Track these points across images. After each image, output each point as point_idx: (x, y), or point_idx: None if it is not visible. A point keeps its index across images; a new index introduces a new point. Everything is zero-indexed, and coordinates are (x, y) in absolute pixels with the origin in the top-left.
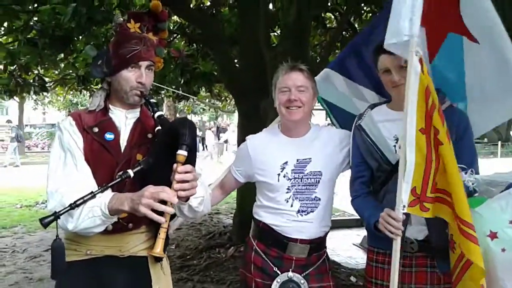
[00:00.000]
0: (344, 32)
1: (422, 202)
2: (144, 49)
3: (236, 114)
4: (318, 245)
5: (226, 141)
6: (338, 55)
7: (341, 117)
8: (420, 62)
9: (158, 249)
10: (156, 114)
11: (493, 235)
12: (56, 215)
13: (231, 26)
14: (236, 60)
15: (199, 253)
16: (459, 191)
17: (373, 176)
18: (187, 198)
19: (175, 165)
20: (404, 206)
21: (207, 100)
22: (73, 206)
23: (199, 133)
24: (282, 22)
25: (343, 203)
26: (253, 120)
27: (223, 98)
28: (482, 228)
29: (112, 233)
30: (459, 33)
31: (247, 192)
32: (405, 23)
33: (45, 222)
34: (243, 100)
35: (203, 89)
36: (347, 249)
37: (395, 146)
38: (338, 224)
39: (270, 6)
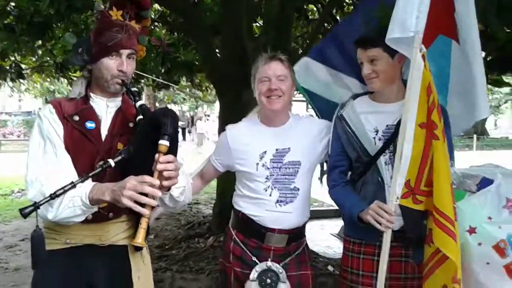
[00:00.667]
0: (326, 24)
1: (415, 195)
2: (125, 37)
3: (216, 104)
4: (296, 235)
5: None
6: (317, 45)
7: (322, 106)
8: (423, 58)
9: (140, 239)
10: (138, 103)
11: (472, 230)
12: (36, 205)
13: (213, 16)
14: (217, 50)
15: (178, 243)
16: (446, 187)
17: (352, 166)
18: (168, 188)
19: (157, 155)
20: (397, 198)
21: (187, 90)
22: (53, 196)
23: (181, 123)
24: (264, 13)
25: (320, 193)
26: (235, 110)
27: (203, 88)
28: (462, 223)
29: (92, 222)
30: (449, 37)
31: (227, 183)
32: (412, 19)
33: (24, 213)
34: (224, 90)
35: (184, 79)
36: (325, 239)
37: (374, 138)
38: (316, 215)
39: None
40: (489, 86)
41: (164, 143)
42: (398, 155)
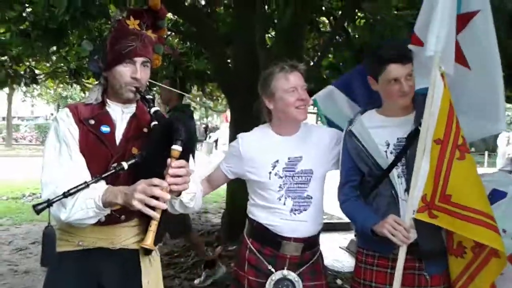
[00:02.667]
0: (337, 37)
1: (430, 210)
2: (140, 45)
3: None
4: (311, 243)
5: (216, 141)
6: (344, 74)
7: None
8: (442, 77)
9: (149, 241)
10: (152, 110)
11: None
12: (49, 203)
13: (225, 26)
14: (229, 60)
15: (187, 251)
16: (481, 191)
17: (363, 180)
18: (178, 193)
19: (169, 159)
20: (414, 212)
21: (197, 99)
22: (67, 194)
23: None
24: (277, 24)
25: (330, 206)
26: (246, 119)
27: (214, 98)
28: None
29: (105, 225)
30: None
31: (237, 192)
32: (432, 39)
33: (38, 209)
34: (235, 99)
35: (195, 88)
36: (333, 252)
37: (386, 151)
38: (325, 227)
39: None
40: None
41: (176, 148)
42: (415, 169)
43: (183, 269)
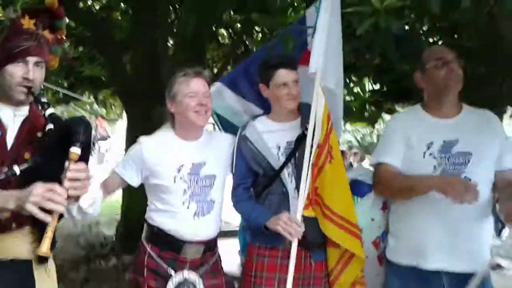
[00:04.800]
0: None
1: (313, 205)
2: (34, 45)
3: (117, 123)
4: (212, 245)
5: (107, 150)
6: (230, 72)
7: (229, 130)
8: (322, 90)
9: (44, 248)
10: (47, 112)
11: (360, 231)
12: None
13: (122, 31)
14: (126, 66)
15: (77, 265)
16: (349, 198)
17: (256, 181)
18: (77, 198)
19: (67, 162)
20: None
21: (88, 107)
22: None
23: None
24: (180, 33)
25: (230, 214)
26: (144, 127)
27: (108, 106)
28: None
29: None
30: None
31: (133, 202)
32: (313, 59)
33: None
34: (133, 107)
35: (86, 94)
36: (234, 257)
37: (278, 153)
38: (225, 234)
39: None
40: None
41: (75, 150)
42: (304, 171)
43: (76, 283)
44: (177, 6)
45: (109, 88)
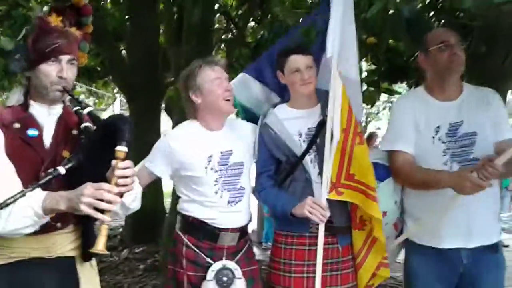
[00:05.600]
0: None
1: (337, 188)
2: (65, 43)
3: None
4: (244, 232)
5: None
6: (254, 62)
7: (252, 120)
8: (339, 75)
9: (100, 246)
10: (86, 110)
11: (384, 214)
12: None
13: (115, 21)
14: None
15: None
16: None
17: (279, 168)
18: (121, 195)
19: (114, 161)
20: (327, 193)
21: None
22: (3, 206)
23: None
24: (186, 22)
25: None
26: (146, 116)
27: (100, 96)
28: None
29: (39, 234)
30: None
31: (143, 193)
32: (329, 43)
33: None
34: (135, 96)
35: (79, 85)
36: None
37: (299, 140)
38: None
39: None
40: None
41: (122, 149)
42: (325, 156)
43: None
44: None
45: (103, 79)
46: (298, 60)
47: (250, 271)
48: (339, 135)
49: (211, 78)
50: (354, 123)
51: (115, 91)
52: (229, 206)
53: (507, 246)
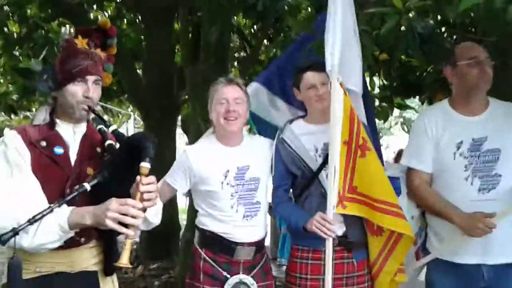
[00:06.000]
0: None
1: (342, 202)
2: (91, 64)
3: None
4: (261, 246)
5: None
6: (264, 71)
7: (262, 128)
8: (341, 86)
9: (125, 260)
10: (111, 128)
11: None
12: (16, 231)
13: (131, 41)
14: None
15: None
16: (386, 183)
17: (295, 183)
18: (144, 210)
19: (138, 177)
20: (334, 207)
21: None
22: (32, 221)
23: None
24: (204, 41)
25: None
26: (161, 135)
27: (114, 114)
28: None
29: (64, 249)
30: None
31: None
32: (328, 56)
33: (4, 239)
34: (150, 114)
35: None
36: None
37: (315, 155)
38: None
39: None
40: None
41: (146, 165)
42: (331, 170)
43: None
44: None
45: (118, 97)
46: (313, 77)
47: (266, 286)
48: (339, 148)
49: (217, 98)
50: (356, 134)
51: (129, 109)
52: (244, 220)
53: None
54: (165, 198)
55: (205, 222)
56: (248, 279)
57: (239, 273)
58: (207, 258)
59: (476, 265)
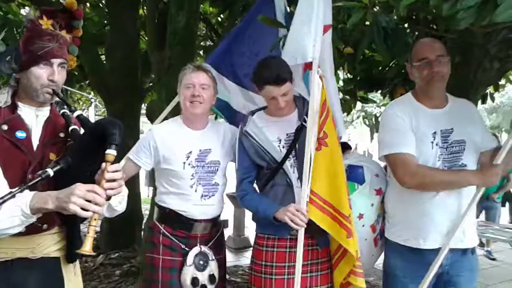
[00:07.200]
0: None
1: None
2: (56, 46)
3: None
4: (216, 222)
5: None
6: (213, 52)
7: (224, 112)
8: (320, 78)
9: (87, 247)
10: (76, 113)
11: (361, 216)
12: None
13: (93, 25)
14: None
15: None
16: (343, 187)
17: (260, 173)
18: (109, 198)
19: (103, 164)
20: (307, 195)
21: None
22: None
23: None
24: (171, 27)
25: None
26: (124, 122)
27: (76, 99)
28: (355, 212)
29: (25, 234)
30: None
31: None
32: (309, 47)
33: None
34: (113, 100)
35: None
36: None
37: (279, 146)
38: None
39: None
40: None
41: (112, 152)
42: (306, 161)
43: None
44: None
45: (81, 82)
46: (273, 91)
47: (219, 260)
48: (315, 142)
49: (184, 83)
50: (322, 127)
51: (90, 95)
52: (202, 199)
53: (494, 259)
54: (128, 175)
55: (165, 199)
56: (205, 249)
57: (197, 245)
58: (166, 232)
59: (435, 250)
